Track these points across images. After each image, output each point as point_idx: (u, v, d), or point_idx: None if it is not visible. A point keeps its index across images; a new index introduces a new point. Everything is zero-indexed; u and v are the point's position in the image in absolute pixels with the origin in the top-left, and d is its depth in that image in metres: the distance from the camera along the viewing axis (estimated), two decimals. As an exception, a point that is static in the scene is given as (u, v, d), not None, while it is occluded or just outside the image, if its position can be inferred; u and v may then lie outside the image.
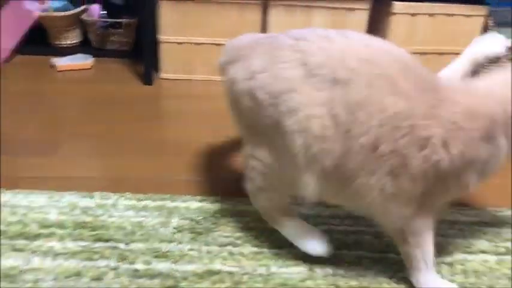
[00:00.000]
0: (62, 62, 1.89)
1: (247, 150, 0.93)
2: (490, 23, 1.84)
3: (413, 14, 1.80)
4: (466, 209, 1.15)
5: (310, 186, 0.86)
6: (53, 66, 1.88)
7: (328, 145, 0.81)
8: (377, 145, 0.79)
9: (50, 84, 1.77)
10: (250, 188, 0.97)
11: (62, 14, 1.94)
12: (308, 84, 0.81)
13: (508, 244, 1.04)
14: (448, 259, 0.98)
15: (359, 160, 0.80)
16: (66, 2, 1.99)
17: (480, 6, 1.82)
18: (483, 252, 1.01)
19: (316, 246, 0.95)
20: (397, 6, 1.78)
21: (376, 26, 1.90)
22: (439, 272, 0.94)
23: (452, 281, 0.93)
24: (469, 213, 1.13)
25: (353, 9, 1.82)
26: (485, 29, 1.85)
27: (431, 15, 1.81)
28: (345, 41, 0.85)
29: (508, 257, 1.00)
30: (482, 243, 1.04)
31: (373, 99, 0.79)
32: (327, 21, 1.82)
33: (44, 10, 1.94)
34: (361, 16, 1.84)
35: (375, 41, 0.87)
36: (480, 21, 1.85)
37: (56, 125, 1.48)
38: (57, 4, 1.96)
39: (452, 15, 1.82)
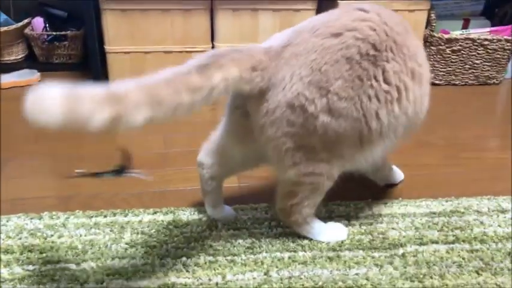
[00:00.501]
0: (6, 79, 1.83)
1: (301, 170, 0.93)
2: (433, 16, 1.89)
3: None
4: (416, 200, 1.17)
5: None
6: (-5, 84, 1.81)
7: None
8: None
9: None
10: (297, 204, 0.99)
11: (4, 29, 1.87)
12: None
13: (457, 232, 1.07)
14: (400, 251, 1.00)
15: None
16: (6, 17, 1.92)
17: (422, 1, 1.87)
18: (434, 242, 1.04)
19: (339, 232, 1.04)
20: (342, 6, 1.80)
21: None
22: (391, 263, 0.97)
23: (404, 272, 0.95)
24: (420, 205, 1.16)
25: (299, 10, 1.84)
26: (429, 23, 1.90)
27: (376, 12, 1.84)
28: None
29: (458, 245, 1.03)
30: (432, 234, 1.06)
31: None
32: (275, 23, 1.83)
33: (-16, 26, 1.87)
34: (308, 16, 1.85)
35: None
36: (424, 15, 1.90)
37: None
38: (-3, 19, 1.89)
39: (396, 10, 1.86)
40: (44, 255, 0.96)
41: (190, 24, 1.80)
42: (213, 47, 1.87)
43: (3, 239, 1.00)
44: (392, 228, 1.07)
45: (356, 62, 0.87)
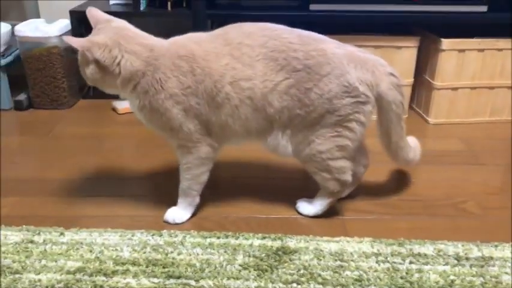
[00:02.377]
0: (123, 105, 2.01)
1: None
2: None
3: (461, 50, 1.82)
4: None
5: None
6: (114, 109, 2.00)
7: None
8: None
9: (110, 127, 1.87)
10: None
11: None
12: None
13: None
14: None
15: None
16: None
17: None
18: None
19: None
20: (446, 43, 1.80)
21: (425, 62, 1.93)
22: None
23: None
24: None
25: (400, 48, 1.86)
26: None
27: (480, 50, 1.83)
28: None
29: None
30: None
31: None
32: (376, 60, 1.87)
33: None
34: (410, 53, 1.87)
35: None
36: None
37: (115, 165, 1.57)
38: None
39: (502, 49, 1.83)
40: (166, 269, 1.05)
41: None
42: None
43: (129, 252, 1.11)
44: (505, 273, 1.05)
45: None
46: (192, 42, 1.15)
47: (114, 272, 1.04)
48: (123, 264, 1.06)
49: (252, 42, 1.13)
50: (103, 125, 1.90)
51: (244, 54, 1.12)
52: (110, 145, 1.72)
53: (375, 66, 1.16)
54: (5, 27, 1.99)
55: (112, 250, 1.11)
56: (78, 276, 1.02)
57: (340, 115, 1.14)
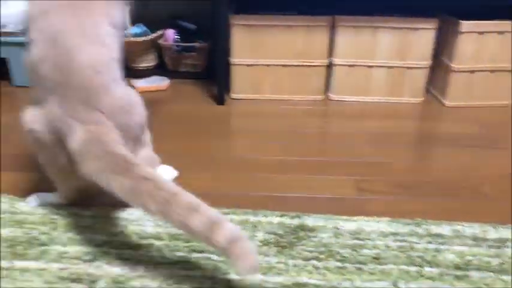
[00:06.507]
0: (140, 84, 2.03)
1: None
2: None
3: (480, 32, 1.81)
4: None
5: None
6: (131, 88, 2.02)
7: None
8: None
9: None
10: None
11: (141, 39, 2.08)
12: None
13: None
14: None
15: None
16: (145, 28, 2.13)
17: None
18: None
19: None
20: (465, 25, 1.79)
21: (444, 44, 1.92)
22: None
23: None
24: None
25: (418, 29, 1.85)
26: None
27: (500, 33, 1.81)
28: None
29: None
30: None
31: None
32: (394, 41, 1.86)
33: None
34: (428, 35, 1.86)
35: None
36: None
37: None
38: (136, 30, 2.11)
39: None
40: (189, 244, 1.08)
41: (311, 39, 1.88)
42: (330, 63, 1.94)
43: (152, 226, 1.14)
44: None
45: None
46: None
47: (139, 246, 1.07)
48: (147, 238, 1.10)
49: None
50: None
51: None
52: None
53: None
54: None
55: (135, 225, 1.14)
56: (104, 249, 1.06)
57: None
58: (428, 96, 2.02)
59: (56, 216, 1.16)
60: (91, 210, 1.19)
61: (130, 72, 2.13)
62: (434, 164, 1.49)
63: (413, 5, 1.87)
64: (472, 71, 1.87)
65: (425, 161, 1.51)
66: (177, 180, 1.35)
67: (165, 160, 1.40)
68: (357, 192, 1.32)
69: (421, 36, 1.87)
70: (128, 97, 1.08)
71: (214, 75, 1.96)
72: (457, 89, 1.90)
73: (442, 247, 1.09)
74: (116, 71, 1.06)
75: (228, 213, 1.19)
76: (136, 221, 1.15)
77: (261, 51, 1.91)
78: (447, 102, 1.93)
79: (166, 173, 1.35)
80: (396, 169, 1.45)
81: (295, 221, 1.17)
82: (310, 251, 1.07)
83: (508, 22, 1.80)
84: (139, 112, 1.10)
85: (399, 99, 1.96)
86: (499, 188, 1.35)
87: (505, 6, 1.82)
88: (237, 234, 0.86)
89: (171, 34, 2.13)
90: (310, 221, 1.17)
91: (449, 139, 1.65)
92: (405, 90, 1.95)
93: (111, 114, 1.00)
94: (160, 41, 2.14)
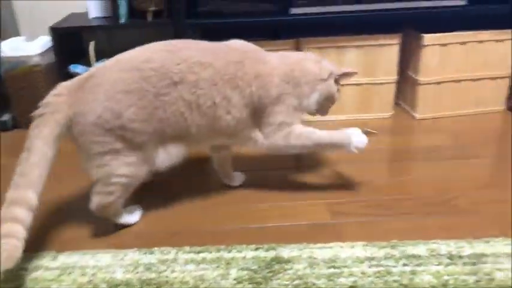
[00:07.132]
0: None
1: (111, 171, 1.19)
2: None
3: (443, 45, 1.83)
4: None
5: None
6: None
7: None
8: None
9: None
10: (113, 202, 1.23)
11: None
12: None
13: None
14: None
15: None
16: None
17: (509, 31, 1.84)
18: None
19: (135, 216, 1.33)
20: (428, 39, 1.81)
21: (408, 59, 1.94)
22: None
23: None
24: None
25: (383, 45, 1.86)
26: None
27: (462, 43, 1.84)
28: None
29: None
30: None
31: None
32: (359, 59, 1.87)
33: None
34: (392, 51, 1.88)
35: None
36: (510, 44, 1.86)
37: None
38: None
39: (483, 41, 1.85)
40: (160, 289, 1.05)
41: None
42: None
43: (123, 273, 1.10)
44: (498, 270, 1.05)
45: (144, 94, 1.14)
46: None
47: (108, 295, 1.03)
48: (117, 286, 1.06)
49: None
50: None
51: None
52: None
53: None
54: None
55: (105, 272, 1.10)
56: (71, 302, 1.02)
57: None
58: (398, 110, 2.03)
59: (21, 272, 1.12)
60: (59, 260, 1.15)
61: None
62: (408, 181, 1.48)
63: (376, 22, 1.89)
64: (438, 83, 1.89)
65: (398, 178, 1.51)
66: (153, 217, 1.32)
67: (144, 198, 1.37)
68: (331, 216, 1.30)
69: (386, 52, 1.88)
70: None
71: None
72: (425, 101, 1.92)
73: (418, 269, 1.07)
74: None
75: (201, 252, 1.16)
76: (105, 268, 1.12)
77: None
78: (417, 115, 1.94)
79: (132, 217, 1.31)
80: (370, 188, 1.44)
81: (270, 253, 1.15)
82: (286, 285, 1.04)
83: (469, 33, 1.83)
84: None
85: (369, 116, 1.96)
86: (473, 200, 1.34)
87: (467, 17, 1.85)
88: None
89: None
90: (285, 252, 1.15)
91: (421, 152, 1.65)
92: (374, 105, 1.96)
93: None
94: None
